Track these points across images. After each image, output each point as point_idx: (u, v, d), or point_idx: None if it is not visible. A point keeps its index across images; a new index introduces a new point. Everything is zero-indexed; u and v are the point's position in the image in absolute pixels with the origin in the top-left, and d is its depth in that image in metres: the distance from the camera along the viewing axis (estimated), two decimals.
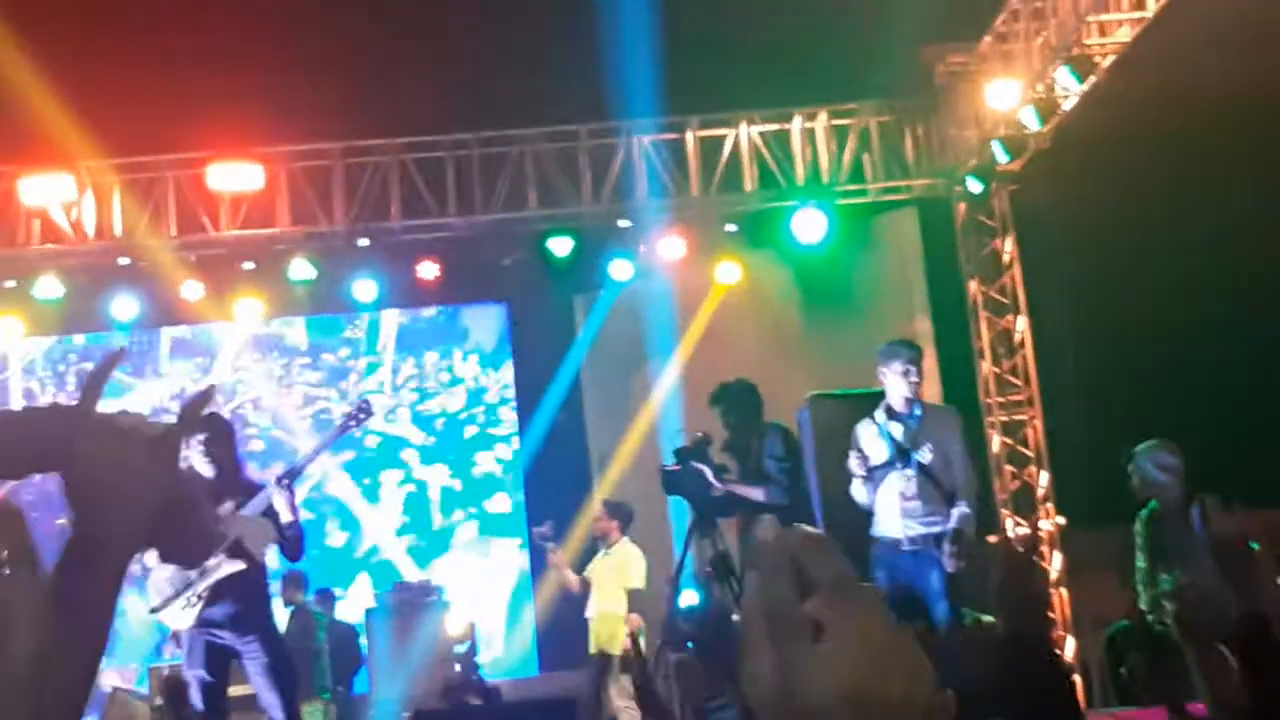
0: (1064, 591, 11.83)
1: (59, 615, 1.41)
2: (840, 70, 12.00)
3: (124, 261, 12.19)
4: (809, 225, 12.17)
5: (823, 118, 12.33)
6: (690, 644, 8.79)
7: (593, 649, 10.13)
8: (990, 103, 11.34)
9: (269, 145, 12.01)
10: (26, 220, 11.92)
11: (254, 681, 7.27)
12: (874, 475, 7.57)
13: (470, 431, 14.81)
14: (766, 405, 8.80)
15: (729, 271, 13.12)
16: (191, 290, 12.46)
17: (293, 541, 7.44)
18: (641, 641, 9.72)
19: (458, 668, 11.99)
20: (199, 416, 1.51)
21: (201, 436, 7.52)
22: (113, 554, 1.44)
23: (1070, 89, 10.54)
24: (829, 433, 8.97)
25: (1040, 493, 12.08)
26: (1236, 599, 6.93)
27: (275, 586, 11.29)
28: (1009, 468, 12.21)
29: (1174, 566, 7.35)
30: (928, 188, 12.56)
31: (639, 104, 11.79)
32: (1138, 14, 9.90)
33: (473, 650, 12.66)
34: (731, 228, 12.76)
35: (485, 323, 14.99)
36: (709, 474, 8.24)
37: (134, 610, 7.75)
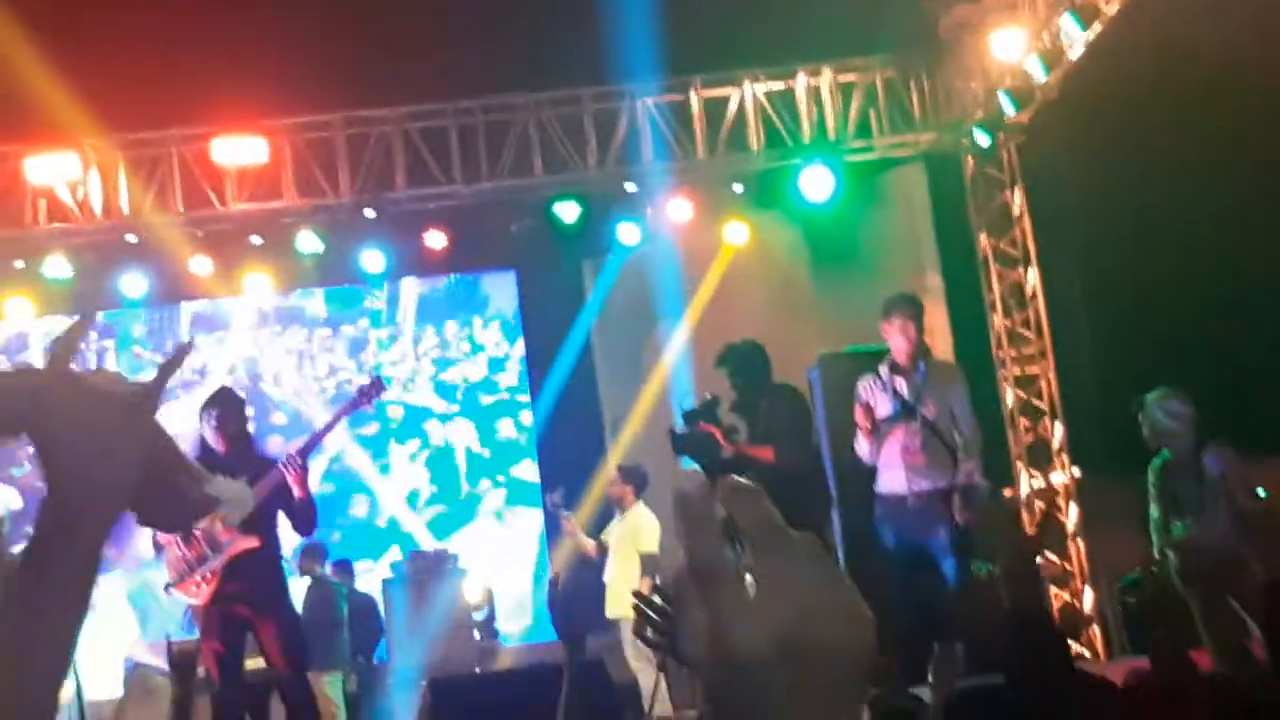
0: (1080, 543, 11.82)
1: (36, 585, 1.38)
2: (844, 25, 11.89)
3: (131, 239, 12.19)
4: (816, 183, 12.11)
5: (827, 74, 12.25)
6: None
7: (609, 613, 10.19)
8: (995, 53, 11.24)
9: (272, 118, 11.98)
10: (33, 200, 11.92)
11: (268, 654, 7.32)
12: (878, 430, 7.56)
13: (491, 399, 14.84)
14: (777, 365, 8.78)
15: (737, 232, 13.08)
16: (200, 265, 12.48)
17: (305, 516, 7.48)
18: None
19: (477, 634, 12.05)
20: (174, 373, 1.47)
21: (214, 411, 7.57)
22: (90, 520, 1.40)
23: (1074, 37, 10.44)
24: (839, 392, 8.97)
25: (1055, 445, 12.05)
26: (1247, 548, 6.91)
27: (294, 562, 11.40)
28: (1023, 421, 12.18)
29: (1186, 515, 7.34)
30: (935, 142, 12.48)
31: (641, 66, 11.72)
32: None
33: (491, 617, 12.72)
34: (738, 188, 12.71)
35: (505, 290, 15.00)
36: (718, 435, 8.24)
37: (162, 585, 7.83)
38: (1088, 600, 11.64)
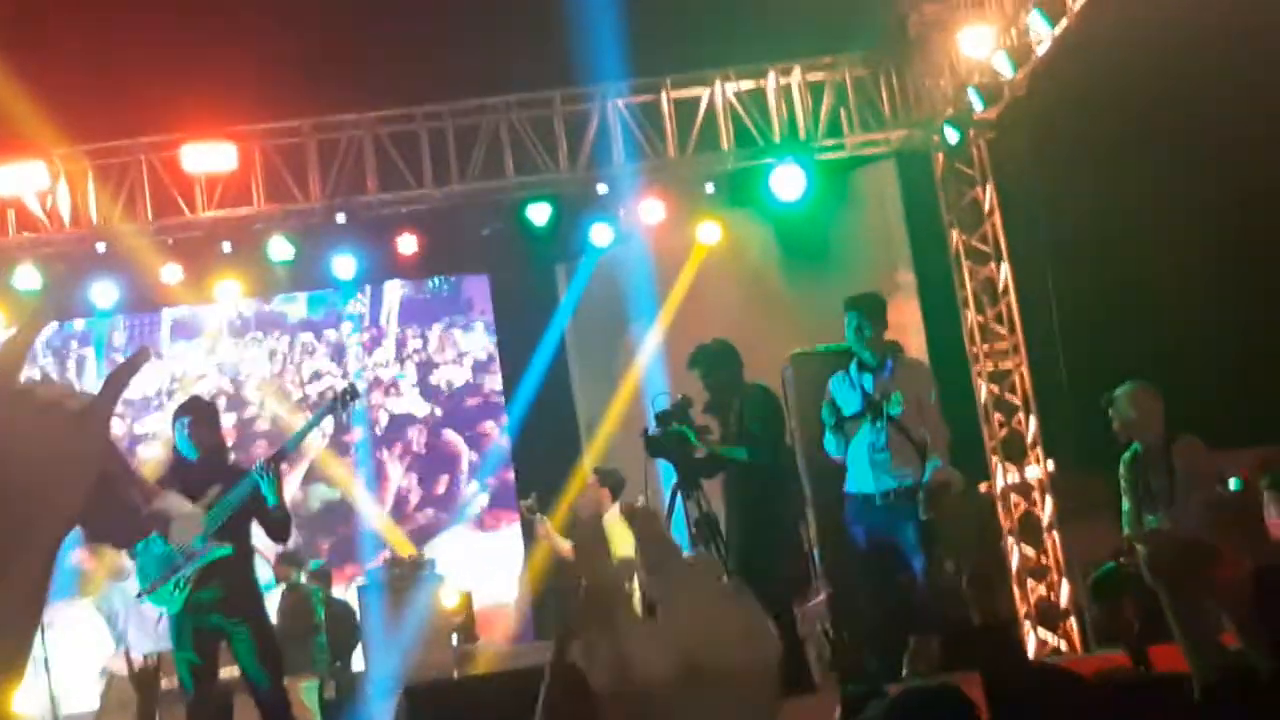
0: (1055, 536, 11.85)
1: None
2: (813, 24, 11.90)
3: (101, 248, 12.13)
4: (788, 182, 12.12)
5: (798, 73, 12.25)
6: None
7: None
8: (964, 51, 11.29)
9: (241, 124, 11.93)
10: (1, 210, 11.85)
11: (242, 663, 7.28)
12: (844, 427, 7.59)
13: (475, 401, 14.82)
14: (751, 364, 8.80)
15: (709, 232, 13.09)
16: (170, 273, 12.41)
17: (279, 524, 7.46)
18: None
19: (455, 640, 12.02)
20: (128, 384, 1.43)
21: (186, 420, 7.53)
22: (38, 538, 1.37)
23: (1042, 33, 10.48)
24: (811, 390, 8.98)
25: (1029, 439, 12.08)
26: (1218, 539, 6.94)
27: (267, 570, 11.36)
28: (997, 415, 12.21)
29: (1157, 508, 7.37)
30: (905, 139, 12.50)
31: (610, 66, 11.72)
32: None
33: (470, 621, 12.69)
34: (710, 188, 12.70)
35: (488, 292, 15.00)
36: (691, 436, 8.25)
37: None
38: (1064, 593, 11.68)
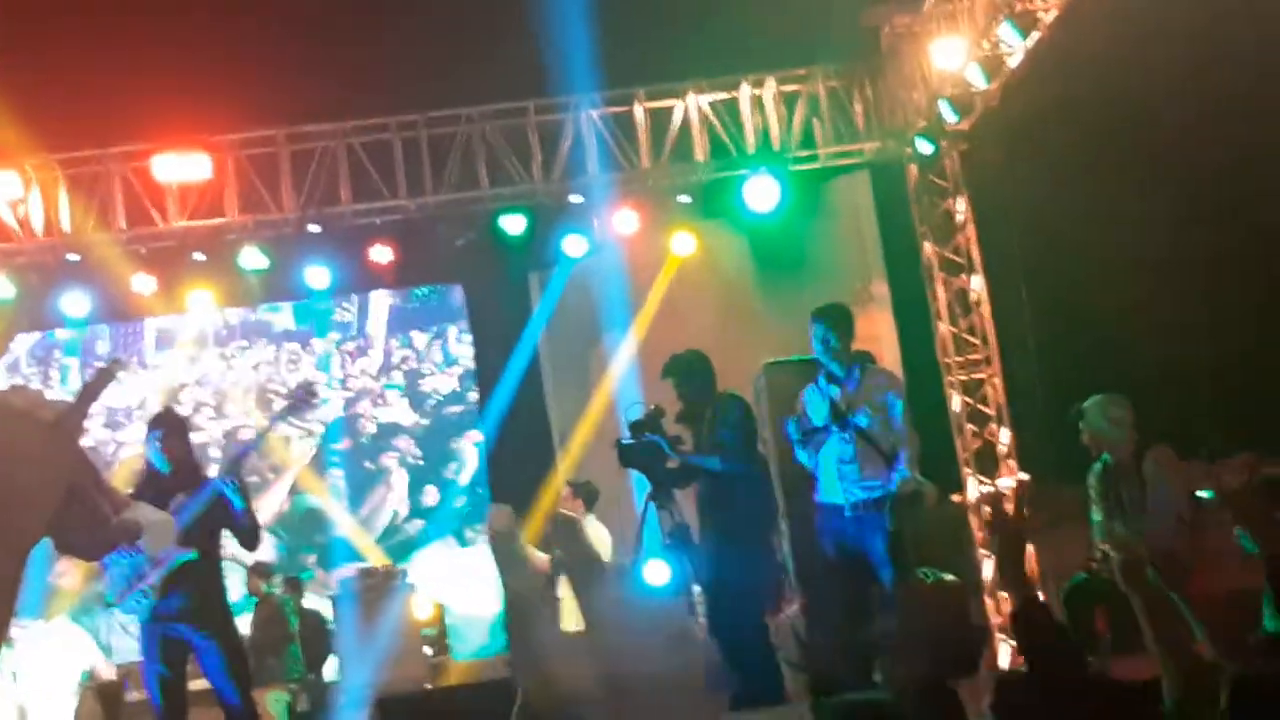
0: (1029, 547, 11.87)
1: None
2: (786, 36, 11.95)
3: (73, 258, 12.07)
4: (761, 193, 12.15)
5: (771, 85, 12.28)
6: None
7: (563, 626, 10.16)
8: (936, 62, 11.32)
9: (214, 134, 11.90)
10: None
11: (210, 675, 7.23)
12: (811, 440, 7.60)
13: (458, 410, 14.78)
14: (724, 374, 8.78)
15: (683, 243, 13.10)
16: (143, 284, 12.36)
17: (247, 530, 7.42)
18: None
19: (428, 651, 11.98)
20: (100, 396, 1.42)
21: (158, 432, 7.52)
22: (11, 539, 1.37)
23: (1014, 45, 10.53)
24: (784, 400, 8.95)
25: (1002, 450, 12.11)
26: (1189, 549, 6.96)
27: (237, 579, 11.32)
28: (970, 426, 12.24)
29: (1129, 519, 7.38)
30: (879, 151, 12.54)
31: (584, 78, 11.73)
32: None
33: (443, 633, 12.65)
34: (684, 199, 12.71)
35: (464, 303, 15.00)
36: (664, 446, 8.24)
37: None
38: None
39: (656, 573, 8.69)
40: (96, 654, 10.97)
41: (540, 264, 13.77)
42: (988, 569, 11.93)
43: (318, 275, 12.62)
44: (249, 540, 7.47)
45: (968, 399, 12.24)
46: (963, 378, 12.27)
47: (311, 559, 14.25)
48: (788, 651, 8.78)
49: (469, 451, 14.71)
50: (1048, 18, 10.26)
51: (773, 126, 12.26)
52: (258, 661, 10.88)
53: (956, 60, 11.01)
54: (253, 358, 14.74)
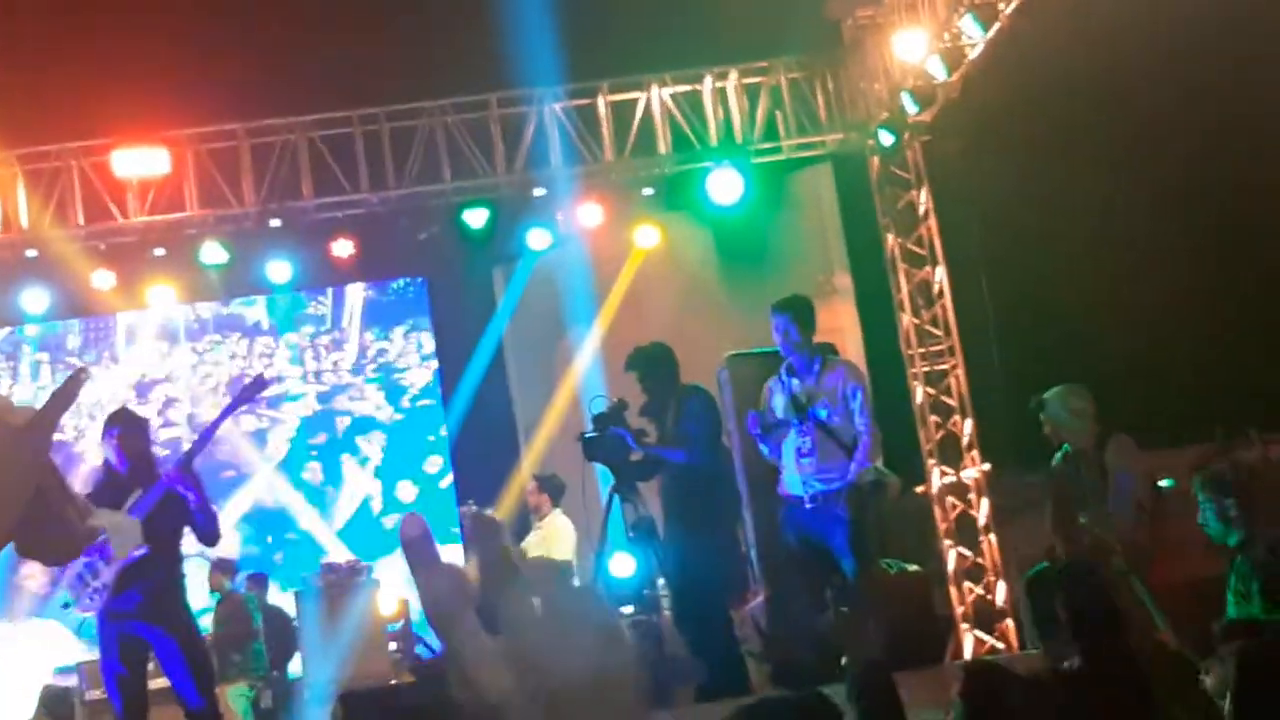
0: (992, 537, 11.93)
1: None
2: (748, 28, 11.94)
3: (31, 254, 11.97)
4: (724, 186, 12.15)
5: (734, 77, 12.28)
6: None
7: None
8: (898, 54, 11.34)
9: (174, 128, 11.80)
10: None
11: (168, 673, 7.18)
12: (773, 433, 7.63)
13: (432, 404, 14.72)
14: (688, 366, 8.80)
15: (647, 235, 13.10)
16: (102, 279, 12.27)
17: (204, 524, 7.38)
18: None
19: (393, 646, 11.93)
20: (70, 401, 1.41)
21: (115, 431, 7.49)
22: None
23: (975, 37, 10.56)
24: (748, 392, 8.99)
25: (965, 440, 12.15)
26: (1151, 539, 7.01)
27: (203, 574, 11.27)
28: (933, 418, 12.27)
29: (1089, 508, 7.43)
30: (841, 143, 12.55)
31: (546, 70, 11.70)
32: None
33: (409, 627, 12.60)
34: (648, 191, 12.71)
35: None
36: (628, 439, 8.25)
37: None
38: (1000, 593, 11.76)
39: (621, 565, 8.71)
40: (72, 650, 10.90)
41: (504, 257, 13.74)
42: (952, 559, 11.97)
43: (279, 270, 12.56)
44: (207, 537, 7.43)
45: (931, 390, 12.27)
46: (926, 369, 12.29)
47: (278, 556, 14.19)
48: (751, 643, 8.81)
49: (437, 445, 14.67)
50: (1008, 9, 10.29)
51: (735, 119, 12.26)
52: (221, 658, 10.84)
53: (918, 52, 11.03)
54: (225, 352, 14.65)
